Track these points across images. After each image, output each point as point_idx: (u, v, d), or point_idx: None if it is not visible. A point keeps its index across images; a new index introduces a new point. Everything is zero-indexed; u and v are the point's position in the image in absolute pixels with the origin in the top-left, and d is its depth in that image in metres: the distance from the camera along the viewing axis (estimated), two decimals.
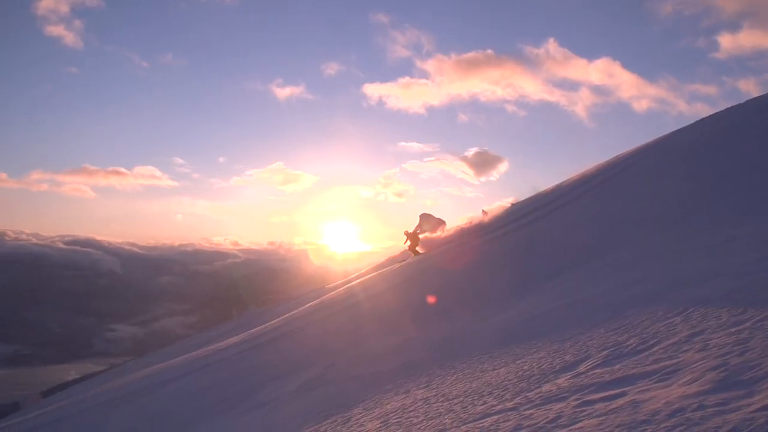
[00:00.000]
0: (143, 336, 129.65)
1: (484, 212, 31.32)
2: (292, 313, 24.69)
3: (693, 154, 20.24)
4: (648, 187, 19.20)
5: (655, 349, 4.93)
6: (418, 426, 5.39)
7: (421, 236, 30.93)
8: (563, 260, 14.41)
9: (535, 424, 4.15)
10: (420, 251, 29.21)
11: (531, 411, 4.47)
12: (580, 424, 3.80)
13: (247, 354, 18.81)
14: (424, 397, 6.51)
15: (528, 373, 5.73)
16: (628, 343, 5.41)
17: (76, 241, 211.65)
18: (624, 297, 7.89)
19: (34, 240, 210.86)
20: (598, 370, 4.90)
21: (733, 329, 4.70)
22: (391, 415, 6.25)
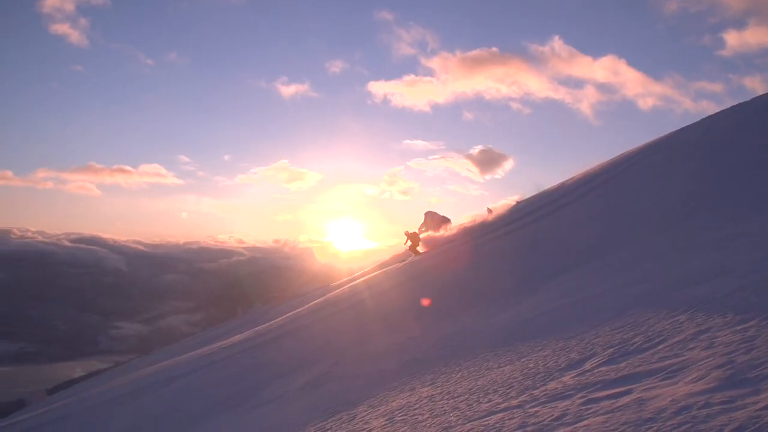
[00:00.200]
0: (148, 333, 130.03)
1: (489, 210, 31.24)
2: (297, 311, 24.71)
3: (698, 152, 20.16)
4: (653, 185, 19.14)
5: (660, 347, 4.93)
6: (424, 423, 5.40)
7: (422, 235, 30.90)
8: (567, 259, 14.39)
9: (541, 421, 4.15)
10: (420, 251, 29.18)
11: (536, 409, 4.48)
12: (585, 422, 3.80)
13: (252, 352, 18.85)
14: (430, 394, 6.52)
15: (533, 370, 5.73)
16: (633, 341, 5.40)
17: (81, 239, 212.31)
18: (629, 295, 7.89)
19: (40, 238, 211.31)
20: (603, 368, 4.90)
21: (739, 327, 4.70)
22: (397, 412, 6.26)
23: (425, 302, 15.87)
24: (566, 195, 24.62)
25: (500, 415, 4.68)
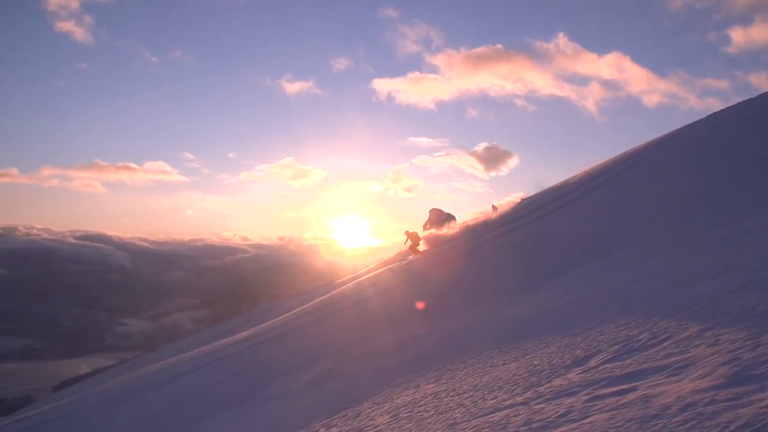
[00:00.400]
0: (153, 330, 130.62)
1: (493, 207, 31.25)
2: (302, 308, 24.76)
3: (703, 149, 20.11)
4: (658, 182, 19.09)
5: (666, 343, 4.92)
6: (429, 420, 5.41)
7: (426, 233, 30.90)
8: (572, 256, 14.37)
9: (546, 418, 4.15)
10: (420, 250, 29.19)
11: (541, 405, 4.48)
12: (590, 419, 3.80)
13: (256, 349, 18.89)
14: (435, 391, 6.52)
15: (538, 367, 5.73)
16: (639, 337, 5.39)
17: (86, 236, 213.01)
18: (633, 292, 7.87)
19: (45, 235, 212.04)
20: (609, 365, 4.90)
21: (745, 324, 4.68)
22: (402, 409, 6.27)
23: (420, 305, 15.75)
24: (570, 192, 24.59)
25: (505, 411, 4.68)
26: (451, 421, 5.04)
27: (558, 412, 4.18)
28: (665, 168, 20.82)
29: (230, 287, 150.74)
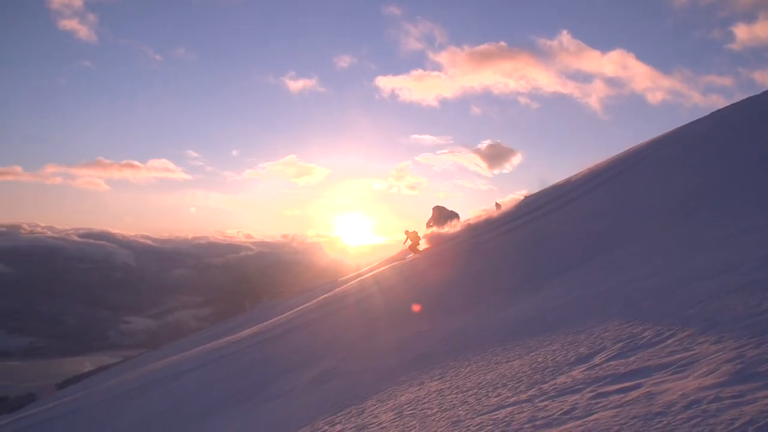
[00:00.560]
0: (157, 328, 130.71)
1: (497, 205, 31.23)
2: (305, 305, 24.77)
3: (707, 147, 20.05)
4: (661, 180, 19.05)
5: (670, 341, 4.92)
6: (433, 418, 5.41)
7: (428, 230, 30.89)
8: (575, 254, 14.36)
9: (550, 415, 4.16)
10: (420, 249, 29.17)
11: (545, 403, 4.48)
12: (595, 416, 3.80)
13: (260, 346, 18.92)
14: (438, 389, 6.53)
15: (542, 365, 5.73)
16: (643, 335, 5.39)
17: (90, 234, 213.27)
18: (637, 290, 7.87)
19: (49, 233, 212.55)
20: (613, 362, 4.90)
21: (749, 321, 4.68)
22: (405, 406, 6.28)
23: (416, 308, 15.66)
24: (573, 190, 24.55)
25: (509, 409, 4.69)
26: (455, 419, 5.05)
27: (562, 409, 4.18)
28: (669, 165, 20.78)
29: (233, 285, 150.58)
